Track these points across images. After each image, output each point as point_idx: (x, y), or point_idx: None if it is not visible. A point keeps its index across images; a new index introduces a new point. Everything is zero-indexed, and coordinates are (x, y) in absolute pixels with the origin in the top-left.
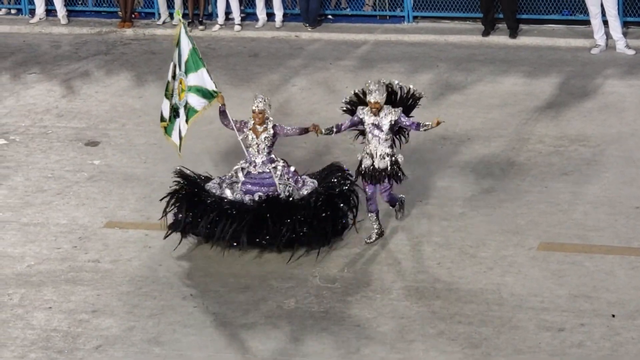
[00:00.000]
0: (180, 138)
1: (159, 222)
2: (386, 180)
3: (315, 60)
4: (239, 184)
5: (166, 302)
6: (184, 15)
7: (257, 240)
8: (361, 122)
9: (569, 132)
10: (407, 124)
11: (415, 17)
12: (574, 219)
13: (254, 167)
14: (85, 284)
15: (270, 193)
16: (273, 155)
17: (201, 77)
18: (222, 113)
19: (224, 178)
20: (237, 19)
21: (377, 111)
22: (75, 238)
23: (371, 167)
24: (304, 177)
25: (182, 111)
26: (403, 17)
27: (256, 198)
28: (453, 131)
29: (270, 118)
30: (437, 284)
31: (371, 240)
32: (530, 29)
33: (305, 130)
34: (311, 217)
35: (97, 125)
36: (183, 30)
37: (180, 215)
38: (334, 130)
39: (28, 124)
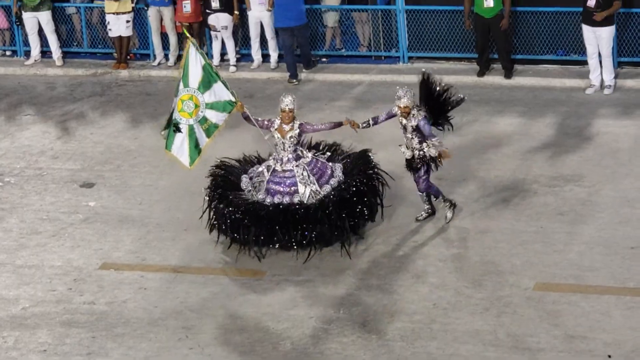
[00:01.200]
0: (198, 151)
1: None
2: (421, 170)
3: (310, 101)
4: (264, 182)
5: (162, 344)
6: (179, 57)
7: (271, 244)
8: (395, 116)
9: (564, 172)
10: (426, 132)
11: (410, 58)
12: (569, 259)
13: (280, 164)
14: (80, 326)
15: (287, 201)
16: (299, 152)
17: (216, 92)
18: (246, 118)
19: (252, 174)
20: (233, 60)
21: (406, 114)
22: (70, 280)
23: (409, 158)
24: (333, 165)
25: (197, 127)
26: (398, 57)
27: (276, 201)
28: (448, 171)
29: (296, 117)
30: (433, 324)
31: (421, 218)
32: (525, 69)
33: (338, 125)
34: (321, 221)
35: (93, 166)
36: (192, 49)
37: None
38: (371, 122)
39: (23, 165)
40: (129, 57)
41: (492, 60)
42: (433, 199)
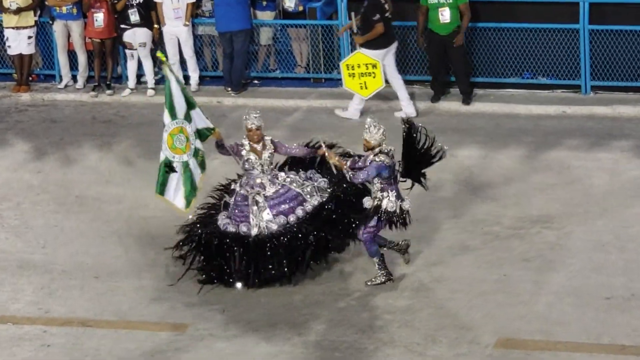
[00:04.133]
0: (195, 189)
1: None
2: (372, 220)
3: (239, 129)
4: (265, 212)
5: None
6: (90, 78)
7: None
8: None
9: (531, 212)
10: (366, 175)
11: None
12: (536, 312)
13: (264, 189)
14: None
15: (309, 208)
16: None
17: (196, 119)
18: (221, 146)
19: (231, 212)
20: (151, 82)
21: (366, 149)
22: None
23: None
24: (312, 175)
25: (192, 162)
26: (340, 80)
27: (300, 214)
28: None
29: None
30: None
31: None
32: (486, 93)
33: (313, 152)
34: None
35: None
36: (171, 75)
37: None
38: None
39: None
40: (30, 78)
41: (448, 83)
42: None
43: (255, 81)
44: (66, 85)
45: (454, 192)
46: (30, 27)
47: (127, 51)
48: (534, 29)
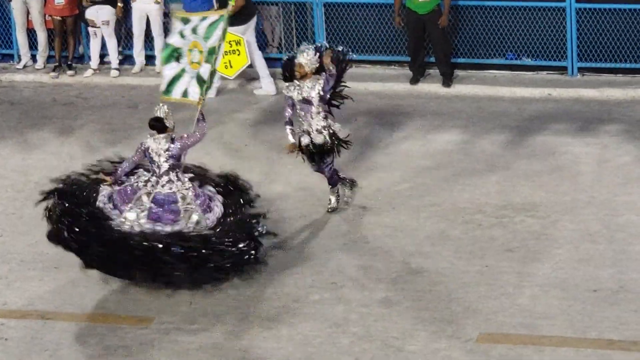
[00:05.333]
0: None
1: None
2: (332, 155)
3: (208, 113)
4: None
5: None
6: (50, 58)
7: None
8: (293, 101)
9: (514, 200)
10: (329, 85)
11: None
12: (519, 305)
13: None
14: None
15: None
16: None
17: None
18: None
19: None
20: (115, 62)
21: (301, 77)
22: None
23: (309, 144)
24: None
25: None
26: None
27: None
28: (375, 199)
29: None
30: None
31: (330, 206)
32: (468, 75)
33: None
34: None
35: None
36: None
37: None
38: (290, 126)
39: None
40: None
41: (427, 64)
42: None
43: None
44: (25, 66)
45: (434, 179)
46: None
47: (89, 29)
48: (517, 7)
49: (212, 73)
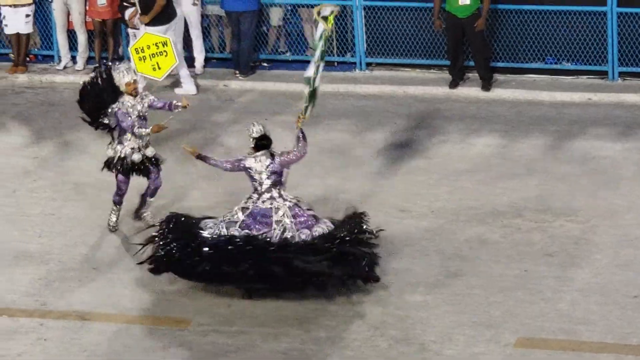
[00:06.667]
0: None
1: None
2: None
3: (248, 114)
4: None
5: None
6: (90, 59)
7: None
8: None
9: (554, 205)
10: (159, 105)
11: (369, 64)
12: (559, 310)
13: (262, 202)
14: None
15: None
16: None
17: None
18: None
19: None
20: None
21: (134, 94)
22: None
23: (138, 160)
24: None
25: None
26: (354, 63)
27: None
28: (413, 202)
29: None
30: None
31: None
32: (507, 79)
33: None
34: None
35: None
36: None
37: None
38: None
39: None
40: (28, 58)
41: (467, 68)
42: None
43: (265, 64)
44: (65, 67)
45: (472, 183)
46: (28, 4)
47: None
48: (557, 11)
49: (311, 93)
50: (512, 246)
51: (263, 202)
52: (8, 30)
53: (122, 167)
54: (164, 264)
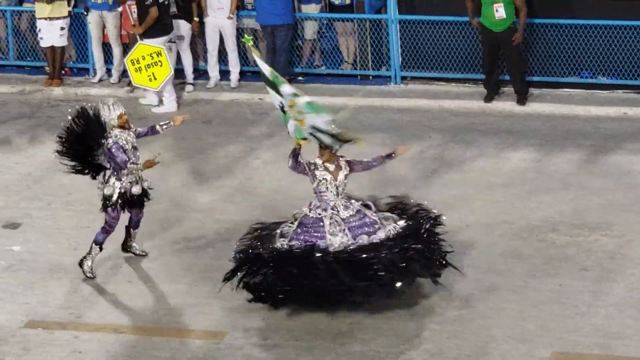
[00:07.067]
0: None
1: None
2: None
3: (283, 128)
4: (346, 231)
5: None
6: (125, 72)
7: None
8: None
9: (589, 220)
10: (144, 132)
11: (404, 78)
12: (594, 324)
13: (337, 212)
14: None
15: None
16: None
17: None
18: (296, 157)
19: (298, 236)
20: (190, 77)
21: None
22: None
23: (138, 193)
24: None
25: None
26: (389, 77)
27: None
28: (449, 215)
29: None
30: None
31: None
32: (543, 93)
33: (389, 157)
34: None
35: (18, 203)
36: (260, 60)
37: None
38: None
39: None
40: (63, 71)
41: (502, 82)
42: None
43: (300, 78)
44: (100, 80)
45: (507, 197)
46: (64, 17)
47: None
48: (593, 25)
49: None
50: (547, 261)
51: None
52: (43, 43)
53: (124, 203)
54: (264, 291)
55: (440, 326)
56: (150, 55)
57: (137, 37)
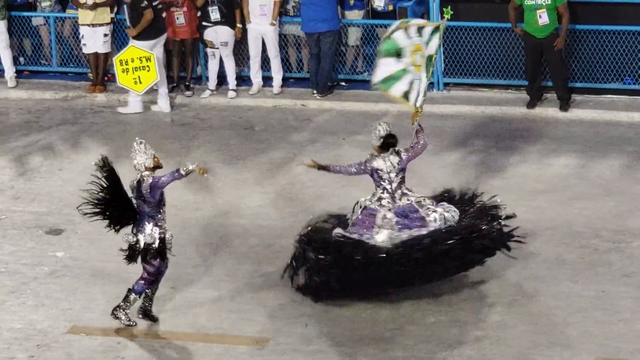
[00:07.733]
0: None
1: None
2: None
3: (325, 134)
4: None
5: None
6: (168, 79)
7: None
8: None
9: (632, 226)
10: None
11: (446, 84)
12: (636, 331)
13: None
14: None
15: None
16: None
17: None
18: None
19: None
20: (232, 84)
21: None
22: (33, 346)
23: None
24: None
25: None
26: (432, 83)
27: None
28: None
29: None
30: None
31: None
32: (585, 100)
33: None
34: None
35: (61, 209)
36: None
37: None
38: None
39: None
40: (106, 78)
41: (545, 88)
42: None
43: (343, 83)
44: None
45: (550, 203)
46: (107, 24)
47: (207, 50)
48: (636, 31)
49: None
50: (590, 267)
51: (399, 199)
52: (86, 50)
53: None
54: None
55: (483, 332)
56: (140, 59)
57: (130, 39)
